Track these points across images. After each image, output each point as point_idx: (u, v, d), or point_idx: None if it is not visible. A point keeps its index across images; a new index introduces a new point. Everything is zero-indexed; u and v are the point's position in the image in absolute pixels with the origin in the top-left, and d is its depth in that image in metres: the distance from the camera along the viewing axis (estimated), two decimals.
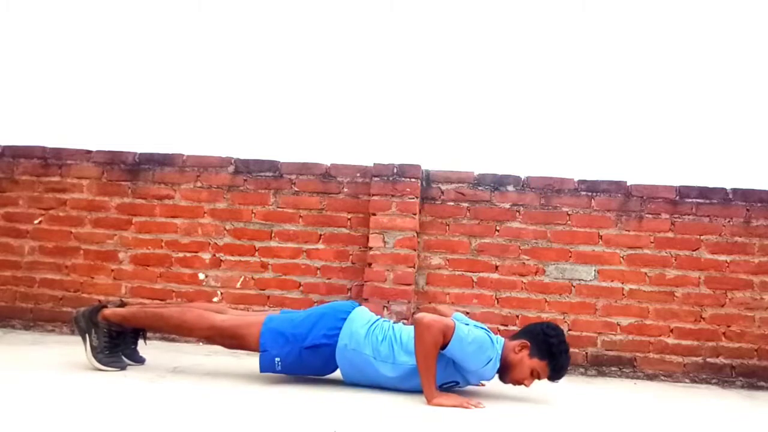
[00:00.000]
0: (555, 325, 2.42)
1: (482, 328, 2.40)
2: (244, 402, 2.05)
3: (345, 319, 2.40)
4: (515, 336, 2.44)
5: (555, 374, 2.37)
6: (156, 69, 5.67)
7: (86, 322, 2.45)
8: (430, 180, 3.49)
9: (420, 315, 2.28)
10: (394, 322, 2.52)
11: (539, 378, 2.37)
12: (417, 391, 2.29)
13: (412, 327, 2.36)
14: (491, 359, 2.29)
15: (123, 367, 2.46)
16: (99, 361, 2.41)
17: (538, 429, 1.99)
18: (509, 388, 2.54)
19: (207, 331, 2.46)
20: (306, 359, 2.38)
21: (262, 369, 2.40)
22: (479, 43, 5.72)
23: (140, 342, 2.63)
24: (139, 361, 2.59)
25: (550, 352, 2.34)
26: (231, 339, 2.45)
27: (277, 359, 2.37)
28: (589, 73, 5.54)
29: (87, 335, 2.44)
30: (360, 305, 2.53)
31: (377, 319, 2.47)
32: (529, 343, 2.35)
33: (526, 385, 2.37)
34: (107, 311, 2.49)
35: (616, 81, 5.48)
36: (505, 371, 2.37)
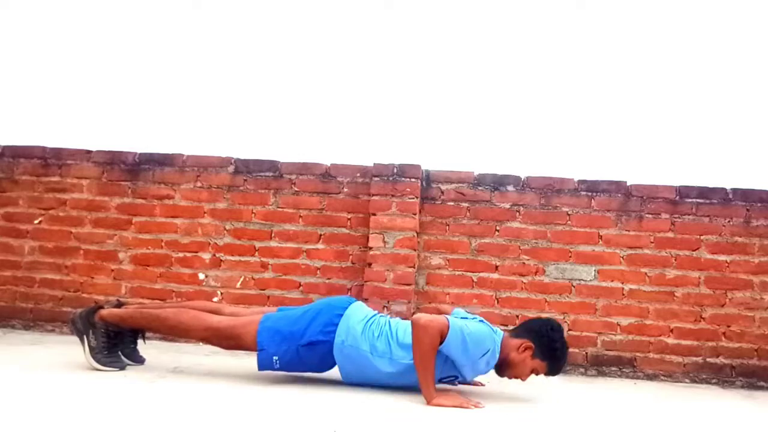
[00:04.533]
0: (558, 325, 2.42)
1: (482, 321, 2.40)
2: (244, 402, 2.05)
3: (341, 315, 2.39)
4: (517, 333, 2.44)
5: (553, 372, 2.42)
6: (156, 69, 5.67)
7: (83, 323, 2.45)
8: (430, 180, 3.49)
9: (417, 316, 2.27)
10: (391, 318, 2.52)
11: (537, 374, 2.42)
12: (415, 386, 2.28)
13: (409, 322, 2.36)
14: (488, 350, 2.29)
15: (122, 367, 2.46)
16: (98, 362, 2.41)
17: (538, 429, 1.99)
18: (509, 388, 2.54)
19: (203, 332, 2.45)
20: (304, 356, 2.37)
21: (261, 367, 2.39)
22: (479, 43, 5.72)
23: (140, 342, 2.63)
24: (139, 361, 2.59)
25: (553, 355, 2.37)
26: (228, 339, 2.44)
27: (275, 357, 2.37)
28: (589, 72, 5.54)
29: (85, 336, 2.44)
30: (356, 300, 2.52)
31: (374, 315, 2.46)
32: (533, 345, 2.36)
33: (522, 380, 2.41)
34: (104, 312, 2.48)
35: (615, 81, 5.48)
36: (505, 368, 2.40)
